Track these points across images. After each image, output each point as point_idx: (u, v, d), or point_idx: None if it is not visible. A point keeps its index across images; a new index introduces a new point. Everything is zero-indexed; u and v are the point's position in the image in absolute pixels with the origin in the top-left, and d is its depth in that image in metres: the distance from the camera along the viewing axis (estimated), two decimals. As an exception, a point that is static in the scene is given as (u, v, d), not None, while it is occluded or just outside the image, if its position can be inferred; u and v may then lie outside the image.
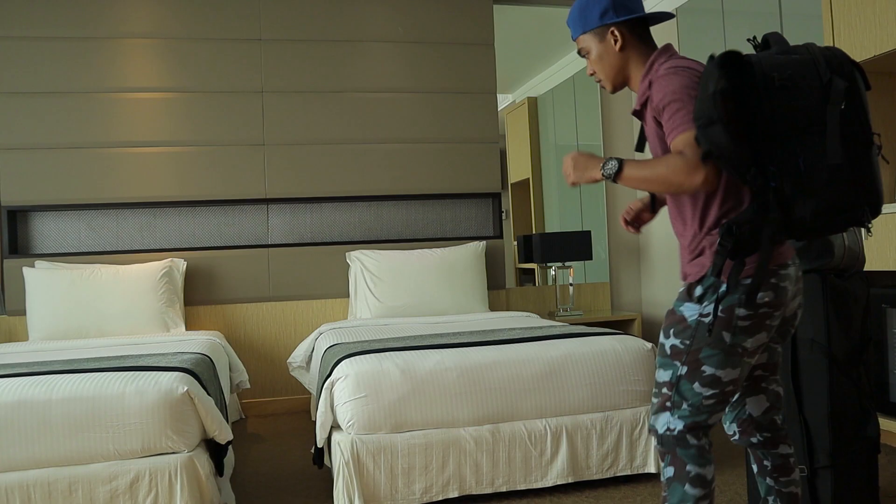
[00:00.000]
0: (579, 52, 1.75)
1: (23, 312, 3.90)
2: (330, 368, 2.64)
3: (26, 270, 3.80)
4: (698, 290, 1.57)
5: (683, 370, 1.57)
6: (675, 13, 1.74)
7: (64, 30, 4.01)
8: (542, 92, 6.51)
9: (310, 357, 3.67)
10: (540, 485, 2.58)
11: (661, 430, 1.60)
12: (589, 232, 4.59)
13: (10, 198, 3.95)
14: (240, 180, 4.21)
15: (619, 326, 4.55)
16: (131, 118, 4.09)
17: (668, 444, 1.59)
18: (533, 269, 6.31)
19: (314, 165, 4.29)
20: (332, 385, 2.55)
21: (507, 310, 4.52)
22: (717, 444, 3.16)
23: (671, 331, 1.60)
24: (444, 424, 2.54)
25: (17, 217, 4.05)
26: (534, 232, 6.36)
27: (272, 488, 2.81)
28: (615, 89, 1.74)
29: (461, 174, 4.50)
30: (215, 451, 2.48)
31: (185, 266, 4.04)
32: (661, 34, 4.62)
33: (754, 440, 1.74)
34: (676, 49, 4.47)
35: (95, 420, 2.25)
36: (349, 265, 4.24)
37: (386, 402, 2.48)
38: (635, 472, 2.68)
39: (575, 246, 4.49)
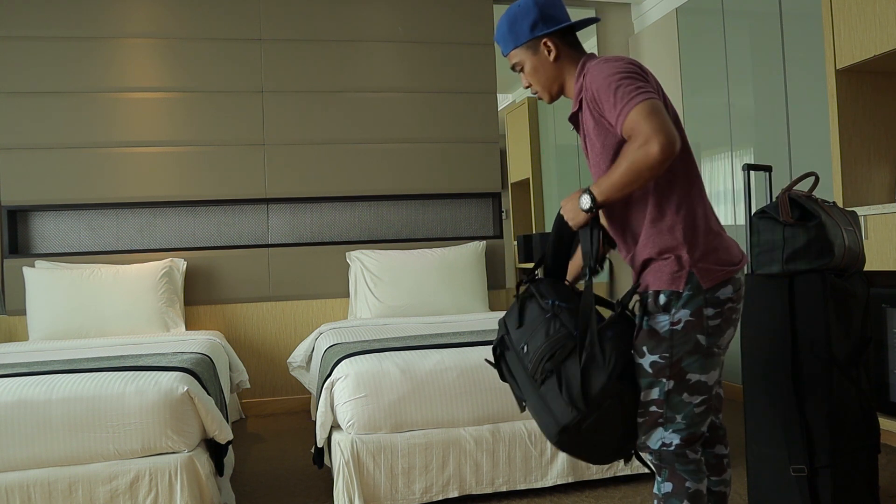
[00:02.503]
0: (513, 68, 1.72)
1: (23, 312, 3.90)
2: (330, 368, 2.64)
3: (26, 270, 3.80)
4: (662, 299, 1.55)
5: (671, 384, 1.55)
6: (599, 18, 1.77)
7: (64, 30, 4.01)
8: (542, 92, 6.51)
9: (310, 357, 3.67)
10: (540, 485, 2.59)
11: (655, 447, 1.58)
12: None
13: (10, 198, 3.96)
14: (240, 180, 4.21)
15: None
16: (131, 118, 4.09)
17: (668, 460, 1.58)
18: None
19: (314, 165, 4.29)
20: (332, 385, 2.55)
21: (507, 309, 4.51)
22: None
23: (644, 348, 1.56)
24: (444, 424, 2.54)
25: (17, 217, 4.05)
26: (534, 232, 6.37)
27: (272, 488, 2.81)
28: (552, 99, 1.72)
29: (461, 174, 4.49)
30: (215, 450, 2.48)
31: (185, 266, 4.04)
32: (660, 34, 4.61)
33: None
34: (676, 48, 4.47)
35: (95, 420, 2.25)
36: (349, 265, 4.24)
37: (386, 401, 2.48)
38: (635, 473, 2.68)
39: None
